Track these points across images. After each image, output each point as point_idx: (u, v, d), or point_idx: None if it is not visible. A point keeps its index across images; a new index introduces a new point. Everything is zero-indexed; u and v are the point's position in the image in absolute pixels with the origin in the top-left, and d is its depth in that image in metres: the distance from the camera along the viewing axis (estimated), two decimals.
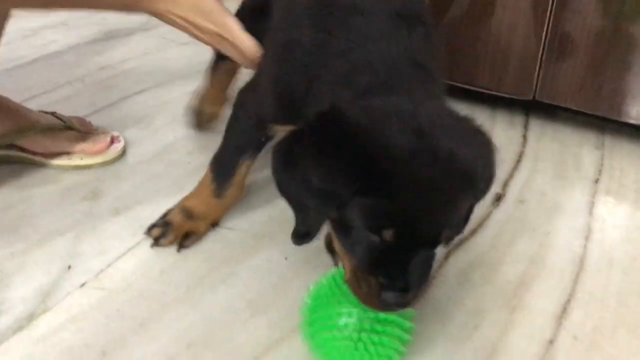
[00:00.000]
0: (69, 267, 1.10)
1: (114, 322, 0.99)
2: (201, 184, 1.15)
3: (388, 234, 0.74)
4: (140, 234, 1.18)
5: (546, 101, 1.51)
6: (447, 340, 0.96)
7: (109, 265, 1.11)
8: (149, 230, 1.14)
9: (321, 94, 0.86)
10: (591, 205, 1.31)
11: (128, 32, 2.08)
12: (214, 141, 1.17)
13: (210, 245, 1.16)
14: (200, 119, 1.47)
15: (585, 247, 1.18)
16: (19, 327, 0.98)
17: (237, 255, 1.14)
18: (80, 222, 1.21)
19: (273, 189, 0.85)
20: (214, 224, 1.17)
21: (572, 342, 0.98)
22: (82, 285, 1.07)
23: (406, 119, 0.75)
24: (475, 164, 0.76)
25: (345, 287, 0.83)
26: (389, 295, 0.75)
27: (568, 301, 1.06)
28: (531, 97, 1.52)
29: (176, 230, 1.12)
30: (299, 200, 0.80)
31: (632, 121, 1.44)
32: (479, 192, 0.80)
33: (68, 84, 1.76)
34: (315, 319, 0.86)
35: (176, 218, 1.13)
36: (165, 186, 1.32)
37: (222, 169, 1.12)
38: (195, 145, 1.46)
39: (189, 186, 1.22)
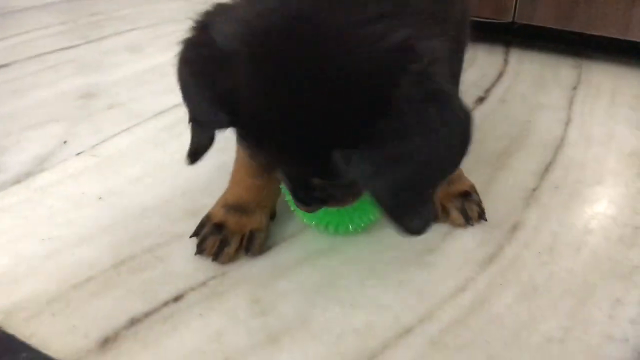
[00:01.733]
0: (65, 142, 1.13)
1: (110, 178, 1.02)
2: (236, 169, 0.88)
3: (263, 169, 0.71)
4: (133, 120, 1.21)
5: (525, 22, 1.57)
6: None
7: (104, 141, 1.14)
8: (200, 244, 0.84)
9: None
10: (570, 103, 1.36)
11: None
12: None
13: None
14: None
15: (565, 130, 1.23)
16: (16, 180, 1.00)
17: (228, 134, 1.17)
18: (75, 113, 1.24)
19: None
20: (273, 216, 0.90)
21: (554, 190, 1.02)
22: (78, 154, 1.09)
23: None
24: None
25: None
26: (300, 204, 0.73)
27: (550, 163, 1.10)
28: (510, 19, 1.58)
29: (237, 233, 0.84)
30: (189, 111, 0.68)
31: (607, 34, 1.50)
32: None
33: (61, 24, 1.80)
34: None
35: (227, 218, 0.84)
36: (156, 90, 1.35)
37: None
38: None
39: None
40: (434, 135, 0.57)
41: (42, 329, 0.71)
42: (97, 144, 1.12)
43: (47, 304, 0.75)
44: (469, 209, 0.90)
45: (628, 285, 0.80)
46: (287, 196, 0.85)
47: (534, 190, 1.01)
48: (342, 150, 0.57)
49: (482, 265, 0.84)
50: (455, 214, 0.90)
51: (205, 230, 0.85)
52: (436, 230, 0.90)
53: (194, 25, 0.65)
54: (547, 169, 1.08)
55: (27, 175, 1.02)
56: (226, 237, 0.83)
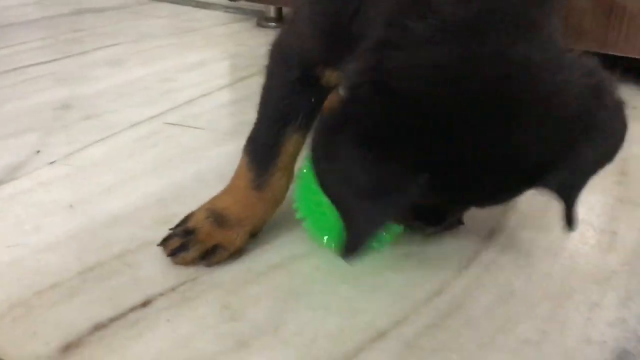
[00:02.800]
0: (38, 151, 1.11)
1: (82, 187, 1.00)
2: (235, 176, 0.84)
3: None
4: (108, 131, 1.19)
5: None
6: None
7: (77, 151, 1.12)
8: (165, 240, 0.82)
9: (376, 16, 0.63)
10: None
11: (101, 9, 2.13)
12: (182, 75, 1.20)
13: (179, 138, 1.18)
14: None
15: None
16: None
17: (208, 145, 1.16)
18: (50, 124, 1.23)
19: None
20: (254, 234, 0.84)
21: (532, 196, 1.01)
22: (51, 163, 1.07)
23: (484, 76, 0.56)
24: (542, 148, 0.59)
25: None
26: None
27: None
28: None
29: (202, 243, 0.80)
30: (342, 202, 0.61)
31: (585, 48, 1.51)
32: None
33: (42, 39, 1.79)
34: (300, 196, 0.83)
35: (202, 225, 0.81)
36: (134, 102, 1.34)
37: (261, 148, 0.81)
38: (165, 77, 1.50)
39: (162, 102, 1.27)
40: (619, 140, 0.64)
41: (2, 336, 0.69)
42: (70, 154, 1.10)
43: (8, 310, 0.73)
44: None
45: (606, 289, 0.79)
46: (298, 214, 0.83)
47: None
48: (553, 175, 0.61)
49: (459, 270, 0.82)
50: None
51: (176, 228, 0.83)
52: (414, 235, 0.88)
53: (363, 89, 0.59)
54: None
55: None
56: (188, 242, 0.81)
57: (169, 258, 0.81)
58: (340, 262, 0.80)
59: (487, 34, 0.56)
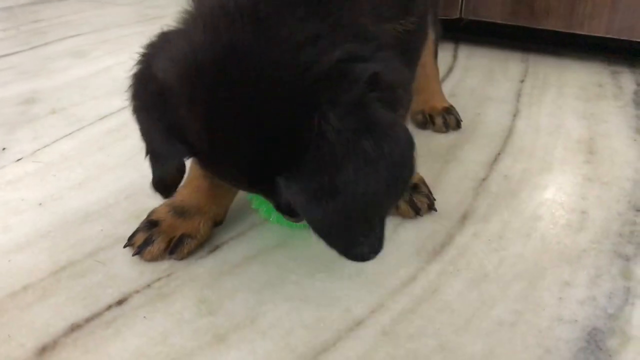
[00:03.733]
0: (4, 149, 1.08)
1: (50, 184, 0.98)
2: (190, 168, 0.83)
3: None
4: (76, 125, 1.17)
5: (472, 17, 1.59)
6: None
7: (45, 146, 1.10)
8: (131, 237, 0.82)
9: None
10: (518, 95, 1.38)
11: None
12: None
13: None
14: None
15: (513, 121, 1.24)
16: None
17: None
18: (15, 119, 1.20)
19: None
20: (218, 223, 0.86)
21: (504, 179, 1.02)
22: (18, 160, 1.05)
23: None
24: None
25: None
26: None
27: (499, 154, 1.11)
28: (458, 16, 1.60)
29: (165, 233, 0.81)
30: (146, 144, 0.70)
31: (551, 28, 1.53)
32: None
33: (2, 31, 1.74)
34: None
35: (164, 217, 0.83)
36: (101, 94, 1.32)
37: None
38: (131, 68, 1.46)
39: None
40: (369, 167, 0.55)
41: None
42: (37, 150, 1.08)
43: None
44: (418, 201, 0.90)
45: (576, 268, 0.81)
46: (254, 204, 0.84)
47: (483, 180, 1.02)
48: (282, 178, 0.57)
49: (433, 255, 0.83)
50: (404, 207, 0.89)
51: (141, 224, 0.83)
52: (387, 222, 0.89)
53: (140, 58, 0.66)
54: (496, 159, 1.09)
55: None
56: (154, 235, 0.81)
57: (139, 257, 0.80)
58: (314, 253, 0.81)
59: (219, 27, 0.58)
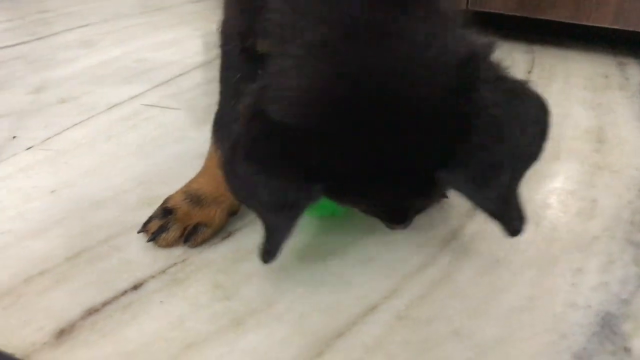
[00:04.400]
0: (14, 137, 1.09)
1: (62, 172, 0.99)
2: (206, 157, 0.87)
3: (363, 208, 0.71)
4: (86, 114, 1.17)
5: (478, 9, 1.59)
6: None
7: (55, 135, 1.10)
8: (146, 223, 0.82)
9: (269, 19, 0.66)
10: None
11: None
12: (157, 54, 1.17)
13: (159, 119, 1.17)
14: None
15: None
16: None
17: (188, 125, 1.15)
18: (25, 108, 1.20)
19: None
20: (233, 213, 0.87)
21: None
22: (29, 148, 1.05)
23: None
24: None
25: None
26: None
27: None
28: (464, 7, 1.60)
29: (181, 221, 0.82)
30: (257, 212, 0.67)
31: (557, 19, 1.53)
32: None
33: (8, 21, 1.74)
34: None
35: (180, 205, 0.83)
36: (110, 83, 1.32)
37: (225, 126, 0.83)
38: (139, 57, 1.47)
39: (139, 83, 1.25)
40: (522, 132, 0.57)
41: None
42: (48, 138, 1.08)
43: None
44: None
45: (588, 255, 0.81)
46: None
47: None
48: (443, 171, 0.58)
49: (444, 242, 0.83)
50: None
51: (155, 211, 0.83)
52: None
53: (245, 117, 0.62)
54: None
55: None
56: (169, 223, 0.81)
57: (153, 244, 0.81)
58: (328, 238, 0.81)
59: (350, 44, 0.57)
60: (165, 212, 0.82)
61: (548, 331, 0.69)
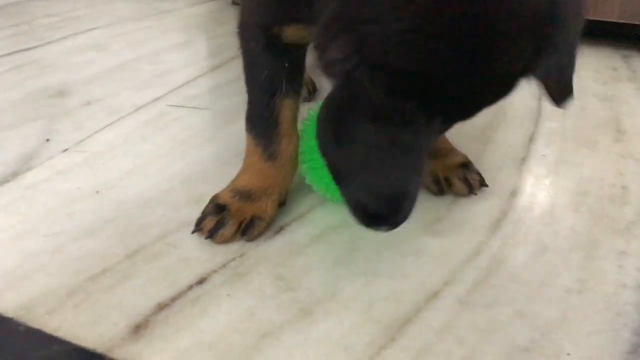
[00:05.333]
0: (47, 140, 1.09)
1: (102, 173, 0.99)
2: (245, 155, 0.88)
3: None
4: (115, 116, 1.18)
5: None
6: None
7: (88, 137, 1.11)
8: (199, 221, 0.84)
9: None
10: None
11: None
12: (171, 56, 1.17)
13: (188, 119, 1.18)
14: None
15: (539, 103, 1.28)
16: (4, 180, 0.96)
17: (217, 125, 1.16)
18: (51, 112, 1.20)
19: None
20: (282, 203, 0.88)
21: (542, 158, 1.06)
22: (64, 151, 1.06)
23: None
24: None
25: None
26: None
27: (532, 134, 1.14)
28: None
29: (236, 216, 0.82)
30: (372, 176, 0.62)
31: None
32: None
33: (14, 26, 1.73)
34: (303, 149, 0.88)
35: (231, 201, 0.84)
36: (131, 86, 1.32)
37: (260, 122, 0.84)
38: (154, 60, 1.48)
39: (160, 85, 1.28)
40: (577, 26, 0.66)
41: (67, 322, 0.69)
42: (81, 141, 1.09)
43: (67, 297, 0.73)
44: (471, 179, 0.93)
45: (629, 238, 0.85)
46: (307, 179, 0.87)
47: (523, 159, 1.05)
48: (538, 64, 0.62)
49: (491, 230, 0.86)
50: (459, 185, 0.93)
51: (206, 209, 0.84)
52: (441, 201, 0.92)
53: (353, 64, 0.58)
54: (531, 139, 1.12)
55: (15, 174, 0.98)
56: (224, 219, 0.83)
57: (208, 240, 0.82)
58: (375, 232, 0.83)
59: None
60: (218, 208, 0.84)
61: (604, 311, 0.72)
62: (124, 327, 0.68)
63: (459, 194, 0.93)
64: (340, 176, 0.64)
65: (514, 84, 0.64)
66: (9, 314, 0.70)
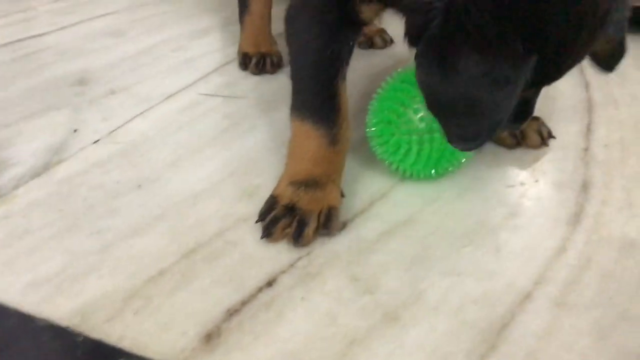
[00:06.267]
0: (75, 130, 1.01)
1: (141, 165, 0.92)
2: (297, 144, 0.82)
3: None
4: (144, 105, 1.10)
5: None
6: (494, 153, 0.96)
7: (119, 127, 1.03)
8: (268, 227, 0.75)
9: None
10: (580, 67, 1.35)
11: None
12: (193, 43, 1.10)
13: (224, 108, 1.11)
14: (246, 61, 1.25)
15: (587, 92, 1.22)
16: (35, 173, 0.89)
17: (256, 113, 1.09)
18: (75, 100, 1.12)
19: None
20: (342, 194, 0.82)
21: (605, 148, 1.00)
22: (96, 142, 0.98)
23: None
24: None
25: (410, 89, 0.81)
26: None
27: (589, 124, 1.08)
28: None
29: (312, 211, 0.75)
30: (471, 103, 0.65)
31: None
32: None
33: (21, 11, 1.64)
34: (381, 119, 0.84)
35: (296, 196, 0.76)
36: (156, 72, 1.25)
37: (320, 106, 0.80)
38: (177, 46, 1.40)
39: (188, 72, 1.21)
40: None
41: (130, 330, 0.62)
42: (113, 131, 1.01)
43: (125, 302, 0.65)
44: (543, 131, 0.96)
45: None
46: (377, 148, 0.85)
47: (585, 150, 0.99)
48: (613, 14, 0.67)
49: (572, 225, 0.80)
50: (534, 137, 0.96)
51: (274, 212, 0.76)
52: (511, 194, 0.86)
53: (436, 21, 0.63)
54: (588, 129, 1.06)
55: (45, 167, 0.91)
56: (302, 217, 0.75)
57: (291, 244, 0.75)
58: (451, 225, 0.77)
59: None
60: (288, 209, 0.76)
61: None
62: (194, 336, 0.61)
63: (532, 146, 0.96)
64: (441, 109, 0.68)
65: (596, 38, 0.67)
66: (64, 322, 0.62)
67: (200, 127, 1.03)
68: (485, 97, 0.63)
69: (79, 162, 0.92)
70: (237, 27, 1.32)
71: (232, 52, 1.37)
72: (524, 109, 0.77)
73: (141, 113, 1.07)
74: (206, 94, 1.15)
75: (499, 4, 0.60)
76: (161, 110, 1.09)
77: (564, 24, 0.63)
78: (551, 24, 0.62)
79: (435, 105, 0.68)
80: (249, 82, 1.21)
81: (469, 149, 0.71)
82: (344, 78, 0.80)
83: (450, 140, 0.70)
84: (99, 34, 1.47)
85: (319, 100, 0.80)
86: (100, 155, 0.94)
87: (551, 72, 0.69)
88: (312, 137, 0.79)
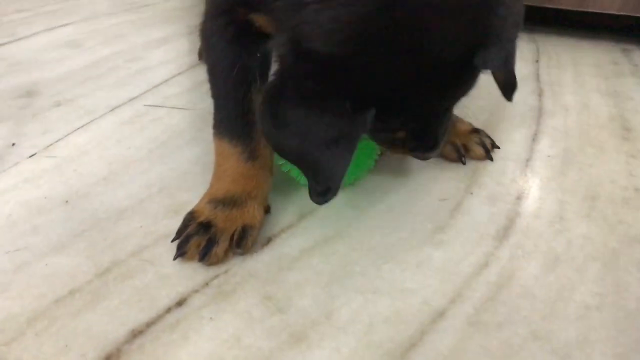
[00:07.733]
0: (13, 144, 1.00)
1: (73, 180, 0.91)
2: (218, 163, 0.82)
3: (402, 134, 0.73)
4: (87, 117, 1.09)
5: None
6: (436, 166, 0.95)
7: (57, 140, 1.02)
8: (182, 244, 0.74)
9: None
10: (537, 75, 1.35)
11: None
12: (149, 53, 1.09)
13: (167, 120, 1.09)
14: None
15: (540, 101, 1.21)
16: None
17: (199, 125, 1.08)
18: (18, 113, 1.11)
19: None
20: (267, 210, 0.82)
21: (547, 159, 0.99)
22: (31, 155, 0.97)
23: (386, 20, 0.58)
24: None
25: None
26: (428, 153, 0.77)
27: (535, 133, 1.07)
28: None
29: (226, 230, 0.75)
30: (306, 158, 0.64)
31: (562, 7, 1.50)
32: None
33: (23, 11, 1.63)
34: None
35: (214, 214, 0.76)
36: (105, 85, 1.24)
37: (235, 123, 0.80)
38: (131, 57, 1.39)
39: (137, 83, 1.19)
40: (518, 13, 0.68)
41: (27, 353, 0.61)
42: (50, 144, 1.00)
43: (28, 324, 0.64)
44: (485, 142, 0.96)
45: None
46: (283, 166, 0.84)
47: (528, 160, 0.98)
48: (479, 55, 0.62)
49: (498, 239, 0.79)
50: (477, 149, 0.95)
51: (188, 230, 0.75)
52: (442, 208, 0.85)
53: (288, 59, 0.62)
54: (534, 139, 1.05)
55: None
56: (213, 235, 0.74)
57: (181, 257, 0.74)
58: (374, 241, 0.76)
59: None
60: (203, 226, 0.75)
61: (629, 330, 0.65)
62: (92, 358, 0.60)
63: (476, 158, 0.95)
64: (286, 158, 0.69)
65: (458, 76, 0.64)
66: None
67: (139, 140, 1.02)
68: (315, 151, 0.63)
69: (10, 177, 0.91)
70: (195, 35, 1.30)
71: (187, 61, 1.36)
72: (430, 139, 0.74)
73: (82, 126, 1.06)
74: (150, 105, 1.13)
75: (320, 69, 0.60)
76: (104, 122, 1.08)
77: (403, 79, 0.61)
78: (385, 82, 0.61)
79: (284, 156, 0.69)
80: (197, 93, 1.20)
81: (325, 202, 0.66)
82: (260, 90, 0.77)
83: (310, 196, 0.66)
84: (56, 45, 1.46)
85: (233, 116, 0.79)
86: (34, 170, 0.93)
87: (410, 120, 0.68)
88: (230, 155, 0.79)
